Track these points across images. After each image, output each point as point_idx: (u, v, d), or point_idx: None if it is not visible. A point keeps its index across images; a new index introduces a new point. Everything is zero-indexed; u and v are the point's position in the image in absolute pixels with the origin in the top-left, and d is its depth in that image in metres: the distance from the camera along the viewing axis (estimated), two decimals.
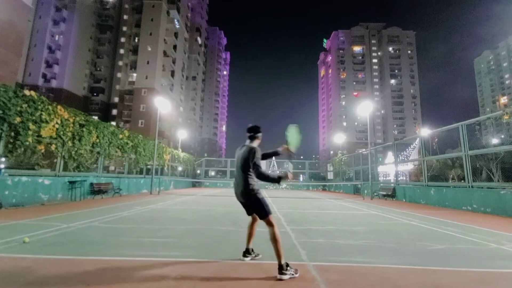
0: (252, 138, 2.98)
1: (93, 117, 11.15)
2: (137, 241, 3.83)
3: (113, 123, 38.33)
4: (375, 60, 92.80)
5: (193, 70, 68.60)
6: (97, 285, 2.24)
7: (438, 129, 11.89)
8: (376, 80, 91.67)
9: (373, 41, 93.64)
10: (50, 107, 8.22)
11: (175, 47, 52.26)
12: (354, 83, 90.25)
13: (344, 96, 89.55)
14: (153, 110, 36.34)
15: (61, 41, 48.76)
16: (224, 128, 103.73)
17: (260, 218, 2.83)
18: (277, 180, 2.74)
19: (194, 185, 26.33)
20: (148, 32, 47.03)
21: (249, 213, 3.04)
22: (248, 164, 2.80)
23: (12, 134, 7.09)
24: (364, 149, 22.87)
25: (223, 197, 13.10)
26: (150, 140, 15.83)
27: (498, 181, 12.31)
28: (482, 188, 8.92)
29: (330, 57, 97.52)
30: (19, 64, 22.31)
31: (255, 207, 2.85)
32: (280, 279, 2.45)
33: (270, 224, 2.74)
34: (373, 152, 17.16)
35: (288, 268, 2.53)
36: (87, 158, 10.30)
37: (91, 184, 10.27)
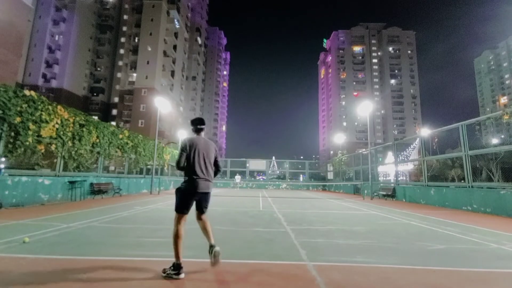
0: (202, 131, 3.03)
1: (93, 117, 11.15)
2: (137, 241, 3.83)
3: (113, 123, 38.34)
4: (375, 60, 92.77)
5: (193, 70, 68.56)
6: (97, 285, 2.24)
7: (438, 129, 11.89)
8: (376, 80, 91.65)
9: (373, 41, 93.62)
10: (50, 107, 8.22)
11: (175, 47, 52.25)
12: (354, 83, 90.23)
13: (344, 96, 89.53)
14: (153, 110, 36.33)
15: (61, 41, 48.79)
16: (224, 128, 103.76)
17: (204, 212, 2.87)
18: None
19: None
20: (148, 32, 47.02)
21: (199, 208, 2.88)
22: (216, 158, 2.99)
23: (12, 134, 7.09)
24: (364, 149, 22.87)
25: (222, 197, 13.10)
26: (150, 140, 15.83)
27: (498, 181, 12.32)
28: (482, 188, 8.92)
29: (330, 57, 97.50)
30: (19, 64, 22.30)
31: (208, 200, 2.93)
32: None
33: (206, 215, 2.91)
34: (373, 152, 17.16)
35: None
36: (87, 158, 10.29)
37: (91, 184, 10.27)
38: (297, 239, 4.11)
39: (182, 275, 2.43)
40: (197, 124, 2.99)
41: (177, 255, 2.49)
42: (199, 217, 2.87)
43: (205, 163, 2.83)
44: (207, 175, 2.82)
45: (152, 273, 2.54)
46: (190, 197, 2.73)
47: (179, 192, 2.76)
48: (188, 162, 2.78)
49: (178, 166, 2.81)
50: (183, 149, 2.79)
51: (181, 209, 2.68)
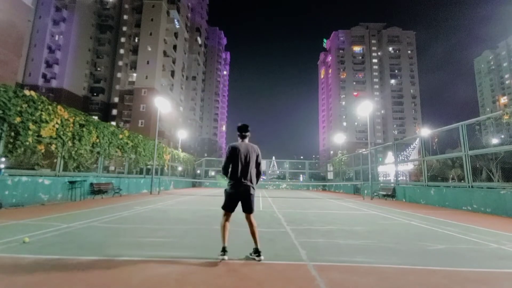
0: (246, 137, 3.25)
1: (93, 117, 11.14)
2: (137, 241, 3.83)
3: (113, 123, 38.33)
4: (375, 60, 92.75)
5: (193, 70, 68.57)
6: (97, 285, 2.24)
7: (438, 129, 11.89)
8: (376, 80, 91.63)
9: (373, 41, 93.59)
10: (50, 107, 8.21)
11: (175, 47, 52.23)
12: (354, 83, 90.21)
13: (344, 96, 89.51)
14: (153, 110, 36.32)
15: (61, 41, 48.75)
16: (224, 128, 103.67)
17: (250, 212, 3.11)
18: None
19: (194, 185, 26.32)
20: (148, 32, 47.00)
21: (243, 210, 3.15)
22: (258, 162, 3.23)
23: (12, 134, 7.09)
24: (364, 149, 22.87)
25: (223, 197, 13.07)
26: (150, 140, 15.82)
27: (498, 181, 12.32)
28: (482, 188, 8.91)
29: (330, 57, 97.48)
30: (19, 64, 22.31)
31: (252, 201, 3.13)
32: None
33: (253, 217, 3.14)
34: (373, 152, 17.15)
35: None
36: (87, 158, 10.29)
37: (91, 184, 10.26)
38: (297, 239, 4.11)
39: (225, 257, 2.90)
40: (244, 130, 3.24)
41: (223, 240, 2.98)
42: (246, 218, 3.14)
43: (250, 168, 3.10)
44: (247, 179, 3.08)
45: (152, 273, 2.54)
46: (233, 198, 3.08)
47: (225, 193, 3.16)
48: (231, 167, 3.10)
49: (224, 171, 3.14)
50: (227, 155, 3.12)
51: (225, 208, 3.10)
